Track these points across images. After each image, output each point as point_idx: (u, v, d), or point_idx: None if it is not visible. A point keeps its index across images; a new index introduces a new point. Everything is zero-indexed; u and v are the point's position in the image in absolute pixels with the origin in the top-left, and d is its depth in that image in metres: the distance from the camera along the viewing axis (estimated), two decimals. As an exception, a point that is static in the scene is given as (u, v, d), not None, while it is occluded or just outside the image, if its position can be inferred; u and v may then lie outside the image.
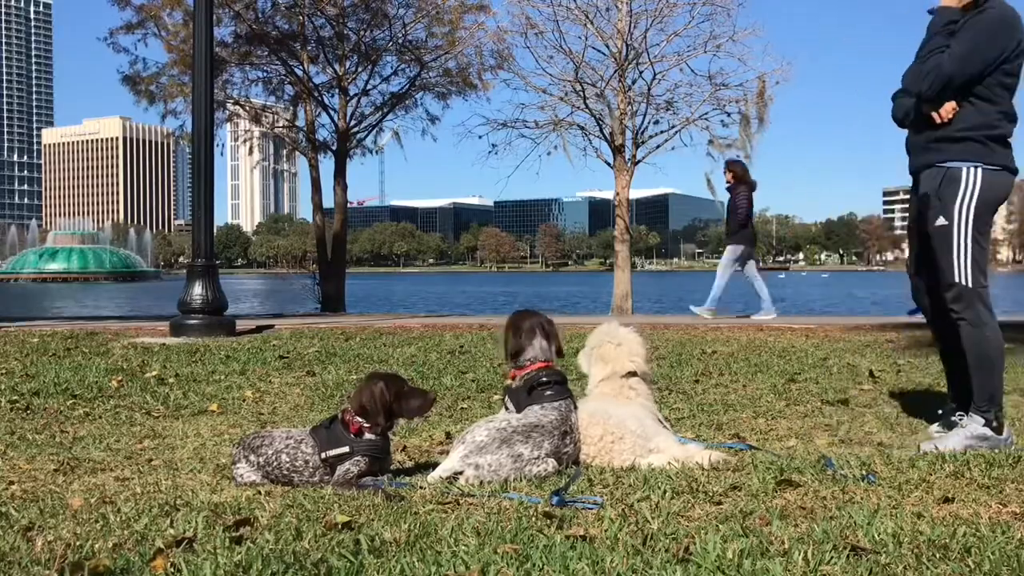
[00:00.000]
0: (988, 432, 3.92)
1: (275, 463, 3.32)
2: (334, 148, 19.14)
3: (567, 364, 6.57)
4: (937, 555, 2.41)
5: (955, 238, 3.94)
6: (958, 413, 4.18)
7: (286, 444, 3.34)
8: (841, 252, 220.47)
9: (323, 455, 3.29)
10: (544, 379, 3.65)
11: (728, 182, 12.17)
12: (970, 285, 3.94)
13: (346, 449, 3.27)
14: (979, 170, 3.93)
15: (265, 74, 19.41)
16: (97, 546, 2.53)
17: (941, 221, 3.98)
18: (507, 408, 3.71)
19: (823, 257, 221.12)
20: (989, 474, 3.36)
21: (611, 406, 3.79)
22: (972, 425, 3.95)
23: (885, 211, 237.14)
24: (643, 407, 3.89)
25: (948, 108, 3.94)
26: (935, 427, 4.37)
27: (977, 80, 3.91)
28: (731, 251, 11.97)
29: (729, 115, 17.18)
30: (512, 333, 3.80)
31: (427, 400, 3.44)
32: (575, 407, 3.67)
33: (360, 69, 18.87)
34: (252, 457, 3.36)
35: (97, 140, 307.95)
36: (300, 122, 19.92)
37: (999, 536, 2.56)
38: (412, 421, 3.98)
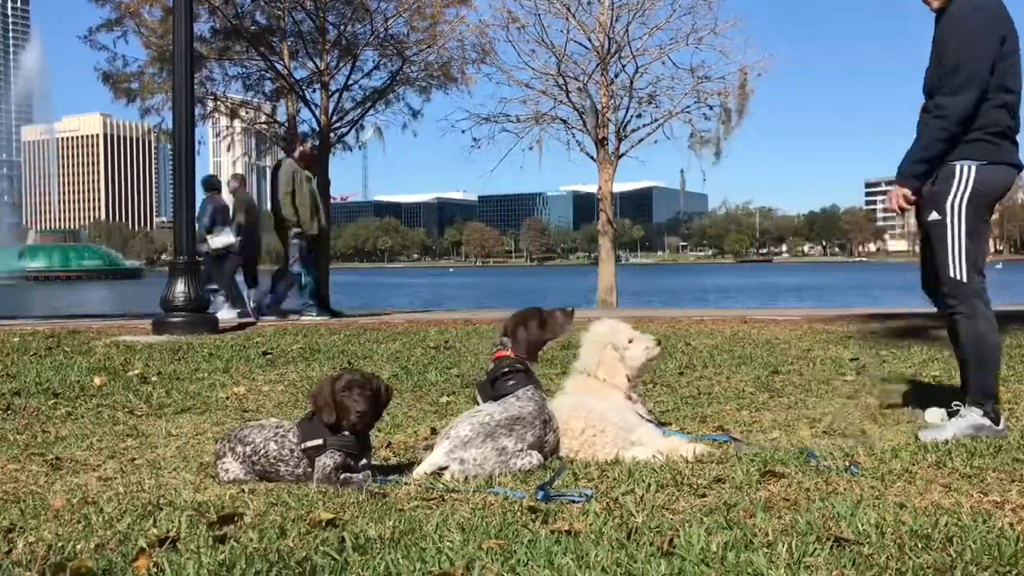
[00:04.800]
0: (986, 422, 3.94)
1: (263, 451, 3.32)
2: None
3: (552, 358, 6.58)
4: (919, 545, 2.43)
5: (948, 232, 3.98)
6: (955, 403, 4.17)
7: (275, 432, 3.35)
8: (824, 244, 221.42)
9: (303, 446, 3.29)
10: (505, 368, 3.71)
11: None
12: (964, 280, 3.95)
13: (320, 442, 3.27)
14: (972, 166, 3.93)
15: (245, 70, 19.29)
16: (79, 547, 2.51)
17: (934, 216, 4.03)
18: (478, 402, 3.76)
19: (806, 249, 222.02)
20: (970, 464, 3.39)
21: (591, 399, 3.80)
22: (970, 416, 3.96)
23: (867, 203, 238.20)
24: (622, 400, 3.92)
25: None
26: (937, 414, 4.35)
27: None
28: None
29: (711, 108, 17.26)
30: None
31: (364, 396, 3.26)
32: (544, 395, 3.73)
33: (341, 64, 18.77)
34: (239, 448, 3.35)
35: (77, 137, 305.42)
36: (281, 117, 19.82)
37: (980, 525, 2.58)
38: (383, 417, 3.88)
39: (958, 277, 3.95)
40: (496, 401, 3.61)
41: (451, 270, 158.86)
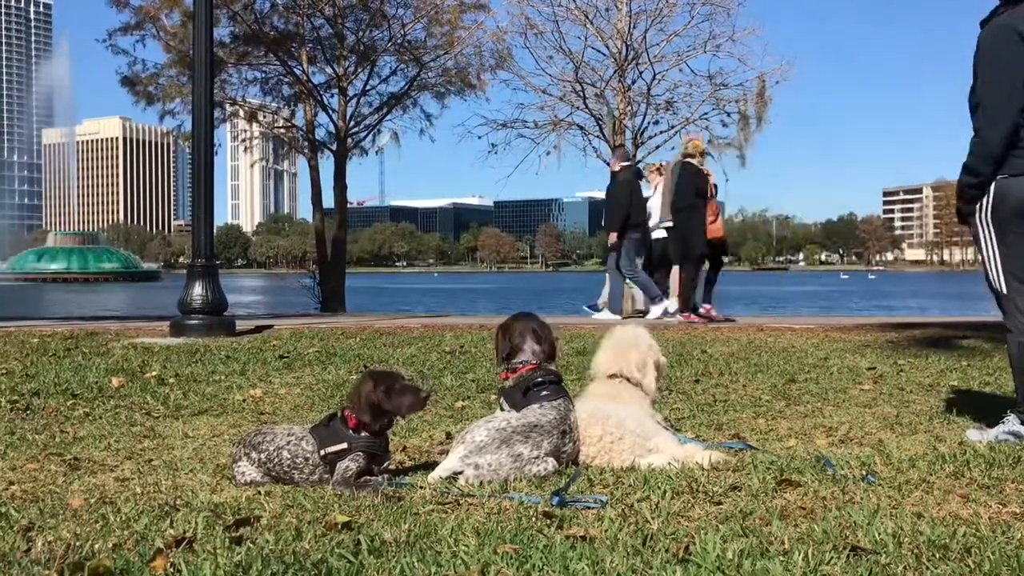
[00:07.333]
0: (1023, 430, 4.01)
1: (276, 459, 3.33)
2: (333, 148, 19.14)
3: (567, 365, 6.58)
4: (937, 555, 2.42)
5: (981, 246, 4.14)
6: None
7: (287, 440, 3.35)
8: (841, 252, 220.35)
9: (322, 452, 3.30)
10: (539, 379, 3.66)
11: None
12: (1003, 290, 4.09)
13: (344, 445, 3.28)
14: (996, 180, 4.04)
15: (263, 74, 19.42)
16: (97, 546, 2.53)
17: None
18: (503, 409, 3.71)
19: (823, 257, 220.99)
20: (989, 474, 3.37)
21: (609, 406, 3.80)
22: (1009, 422, 4.06)
23: (885, 211, 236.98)
24: (641, 407, 3.91)
25: None
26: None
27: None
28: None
29: (729, 115, 17.21)
30: (503, 336, 3.85)
31: (419, 398, 3.40)
32: (572, 406, 3.69)
33: (359, 69, 18.86)
34: (253, 454, 3.36)
35: (97, 140, 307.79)
36: (299, 122, 19.93)
37: (999, 536, 2.56)
38: (405, 418, 3.95)
39: (997, 287, 4.10)
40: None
41: (436, 275, 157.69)
